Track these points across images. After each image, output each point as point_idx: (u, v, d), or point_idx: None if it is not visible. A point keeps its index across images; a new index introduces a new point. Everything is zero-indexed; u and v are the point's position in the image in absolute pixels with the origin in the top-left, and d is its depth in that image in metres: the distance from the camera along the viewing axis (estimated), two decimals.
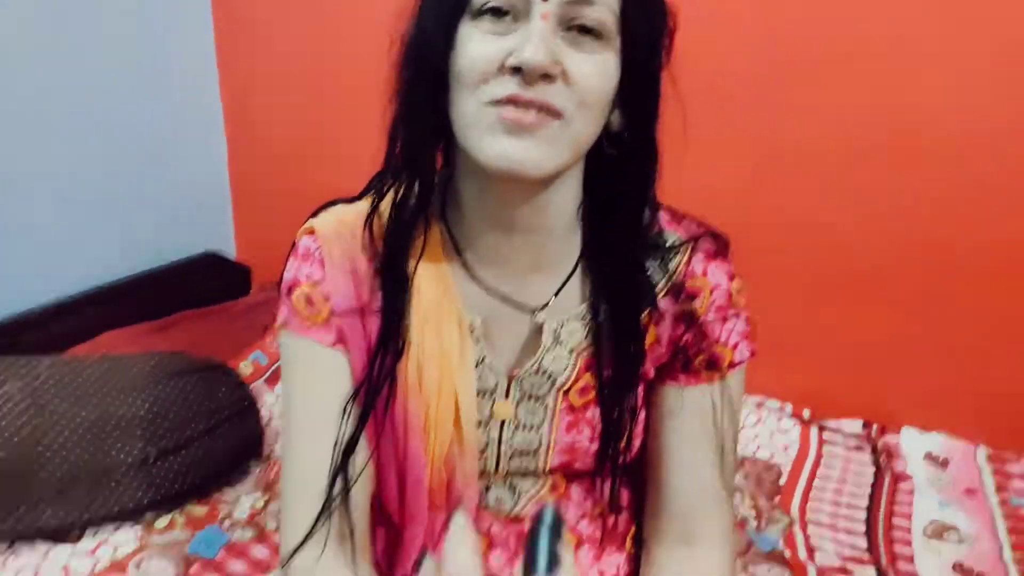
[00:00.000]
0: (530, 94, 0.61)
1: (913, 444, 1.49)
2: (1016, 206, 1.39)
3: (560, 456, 0.77)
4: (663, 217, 0.76)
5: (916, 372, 1.53)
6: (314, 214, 0.76)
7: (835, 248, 1.53)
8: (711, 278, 0.75)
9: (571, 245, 0.75)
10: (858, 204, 1.49)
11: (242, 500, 1.28)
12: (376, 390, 0.70)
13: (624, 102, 0.67)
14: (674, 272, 0.75)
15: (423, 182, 0.69)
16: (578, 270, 0.76)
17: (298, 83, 1.89)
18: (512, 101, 0.61)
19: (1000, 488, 1.37)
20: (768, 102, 1.49)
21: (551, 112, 0.62)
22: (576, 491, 0.80)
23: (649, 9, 0.66)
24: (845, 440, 1.53)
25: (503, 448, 0.76)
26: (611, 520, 0.81)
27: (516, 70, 0.60)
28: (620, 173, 0.70)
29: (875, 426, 1.54)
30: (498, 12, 0.62)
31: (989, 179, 1.40)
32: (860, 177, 1.47)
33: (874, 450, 1.49)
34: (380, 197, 0.73)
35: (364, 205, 0.75)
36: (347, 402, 0.71)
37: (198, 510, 1.25)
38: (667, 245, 0.75)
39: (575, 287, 0.76)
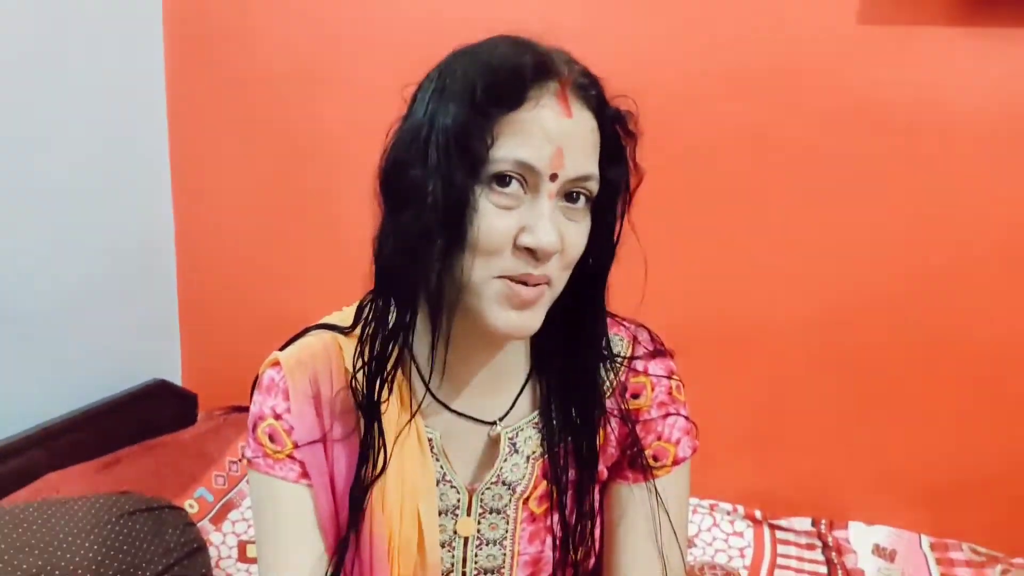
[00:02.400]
0: (539, 272, 0.66)
1: (861, 538, 1.54)
2: (948, 303, 1.49)
3: (525, 569, 0.78)
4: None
5: (858, 467, 1.59)
6: (282, 347, 0.78)
7: (773, 351, 1.60)
8: (652, 376, 0.80)
9: (522, 356, 0.79)
10: (795, 306, 1.57)
11: None
12: (356, 518, 0.72)
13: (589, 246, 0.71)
14: (618, 372, 0.79)
15: (411, 314, 0.70)
16: (530, 380, 0.79)
17: (249, 213, 1.92)
18: (523, 281, 0.66)
19: None
20: (700, 213, 1.58)
21: (547, 282, 0.67)
22: None
23: (621, 172, 0.71)
24: (797, 538, 1.56)
25: (468, 568, 0.77)
26: None
27: (529, 250, 0.65)
28: (575, 295, 0.73)
29: (824, 522, 1.58)
30: (506, 179, 0.64)
31: (917, 274, 1.50)
32: (796, 278, 1.56)
33: (825, 546, 1.53)
34: (353, 326, 0.75)
35: (326, 333, 0.77)
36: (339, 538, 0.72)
37: None
38: (611, 348, 0.79)
39: (527, 396, 0.79)
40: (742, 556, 1.52)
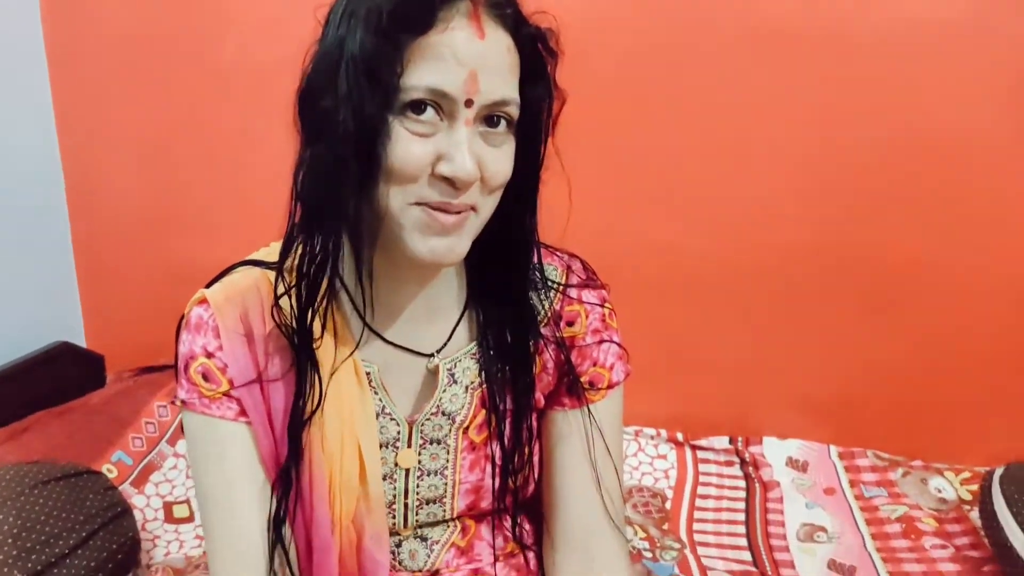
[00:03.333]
0: (459, 200, 0.64)
1: (775, 452, 1.63)
2: (851, 226, 1.56)
3: (466, 498, 0.79)
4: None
5: (770, 386, 1.68)
6: (208, 285, 0.75)
7: (686, 270, 1.65)
8: (586, 304, 0.81)
9: (458, 288, 0.79)
10: (706, 221, 1.61)
11: None
12: (296, 456, 0.71)
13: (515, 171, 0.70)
14: (552, 301, 0.80)
15: (334, 246, 0.68)
16: (467, 310, 0.79)
17: (146, 161, 1.81)
18: (443, 209, 0.64)
19: (853, 483, 1.52)
20: (638, 131, 1.59)
21: (472, 208, 0.66)
22: (486, 531, 0.82)
23: (542, 94, 0.69)
24: (716, 456, 1.64)
25: (410, 499, 0.78)
26: (521, 558, 0.84)
27: (447, 178, 0.63)
28: (504, 221, 0.72)
29: (740, 439, 1.66)
30: (420, 106, 0.62)
31: (822, 196, 1.55)
32: (706, 192, 1.60)
33: (743, 462, 1.61)
34: (280, 261, 0.71)
35: (254, 270, 0.75)
36: (272, 472, 0.72)
37: None
38: (545, 277, 0.80)
39: (464, 327, 0.79)
40: (667, 477, 1.58)
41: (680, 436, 1.68)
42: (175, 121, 1.77)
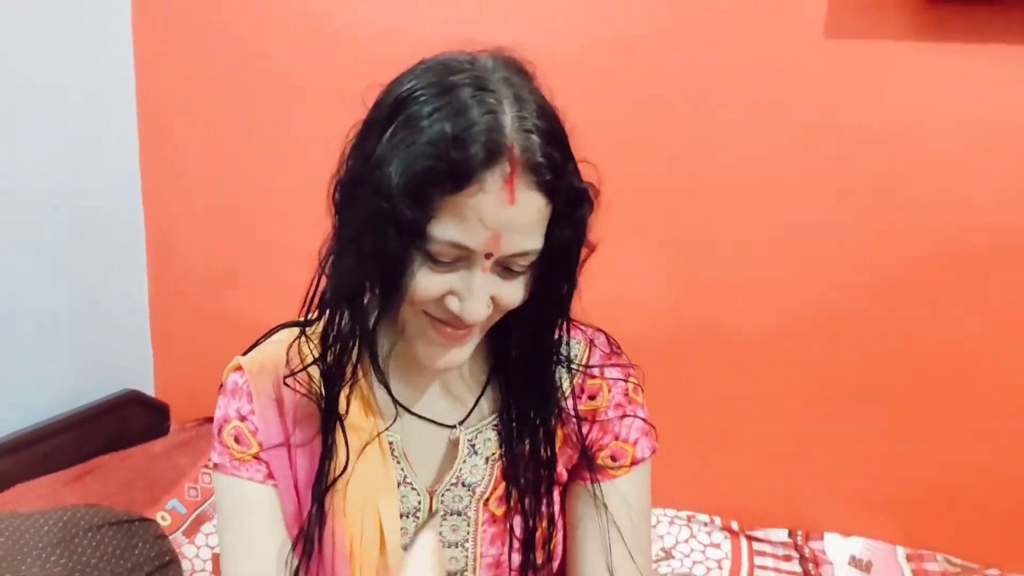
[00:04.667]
0: (464, 324, 0.67)
1: (837, 549, 1.54)
2: (914, 314, 1.50)
3: (488, 572, 0.78)
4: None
5: (833, 478, 1.60)
6: (245, 352, 0.79)
7: (745, 363, 1.60)
8: (608, 379, 0.80)
9: (482, 359, 0.80)
10: (766, 316, 1.58)
11: None
12: (319, 524, 0.72)
13: (546, 263, 0.69)
14: (575, 375, 0.79)
15: (362, 323, 0.70)
16: (490, 383, 0.80)
17: (220, 221, 1.90)
18: (448, 324, 0.67)
19: None
20: (680, 213, 1.58)
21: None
22: None
23: (569, 237, 0.68)
24: (773, 549, 1.57)
25: None
26: None
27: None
28: (535, 302, 0.71)
29: (800, 533, 1.58)
30: (442, 253, 0.64)
31: (882, 285, 1.51)
32: (766, 287, 1.57)
33: (802, 557, 1.53)
34: (303, 328, 0.74)
35: (287, 337, 0.77)
36: (291, 540, 0.73)
37: None
38: (568, 350, 0.79)
39: (487, 398, 0.80)
40: (719, 568, 1.52)
41: (735, 525, 1.61)
42: (248, 181, 1.86)
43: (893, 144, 1.46)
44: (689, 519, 1.62)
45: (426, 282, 0.64)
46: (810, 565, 1.51)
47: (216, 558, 1.49)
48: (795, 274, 1.56)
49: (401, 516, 0.76)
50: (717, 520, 1.62)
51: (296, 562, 0.73)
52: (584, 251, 0.70)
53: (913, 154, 1.45)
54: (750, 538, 1.59)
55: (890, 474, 1.56)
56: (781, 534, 1.59)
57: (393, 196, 0.61)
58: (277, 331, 0.80)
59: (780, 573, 1.51)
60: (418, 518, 0.77)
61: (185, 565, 1.39)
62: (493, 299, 0.66)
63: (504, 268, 0.66)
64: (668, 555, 1.54)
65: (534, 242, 0.65)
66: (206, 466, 1.66)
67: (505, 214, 0.62)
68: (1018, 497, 1.49)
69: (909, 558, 1.50)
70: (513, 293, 0.67)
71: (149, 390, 1.97)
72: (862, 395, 1.56)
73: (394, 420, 0.76)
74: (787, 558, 1.54)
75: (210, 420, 1.80)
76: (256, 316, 1.93)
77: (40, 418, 1.68)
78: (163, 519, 1.52)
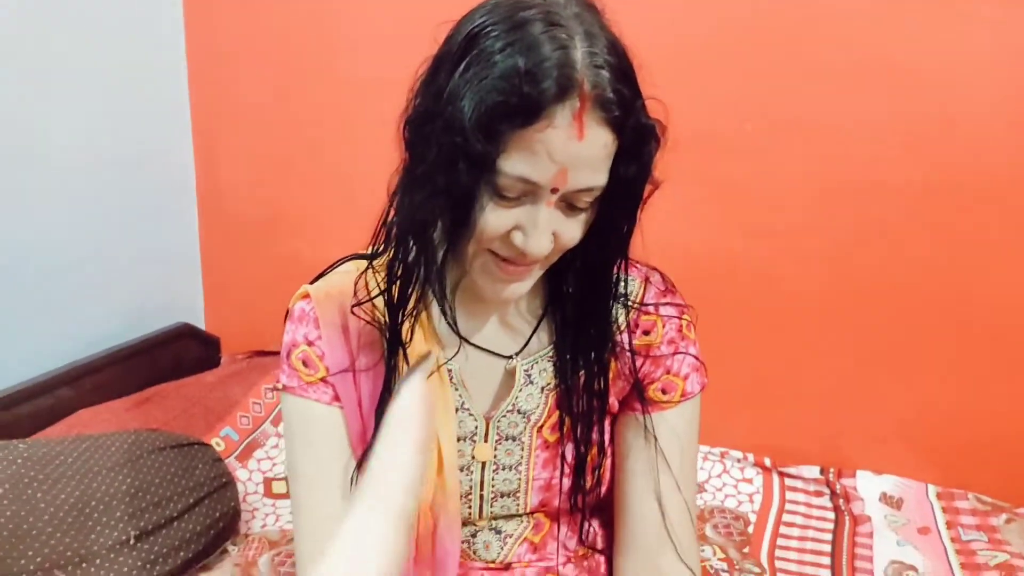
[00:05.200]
0: (527, 260, 0.69)
1: (868, 486, 1.57)
2: (962, 261, 1.50)
3: (539, 494, 0.82)
4: None
5: (868, 418, 1.62)
6: (312, 281, 0.82)
7: (785, 299, 1.62)
8: (663, 315, 0.82)
9: (538, 296, 0.83)
10: (802, 247, 1.58)
11: None
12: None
13: (608, 201, 0.70)
14: (630, 310, 0.82)
15: (426, 259, 0.72)
16: (546, 315, 0.82)
17: (268, 159, 1.94)
18: (511, 262, 0.69)
19: (951, 525, 1.45)
20: (735, 157, 1.58)
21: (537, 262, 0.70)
22: (561, 531, 0.84)
23: (635, 174, 0.68)
24: (805, 485, 1.60)
25: (486, 491, 0.81)
26: (592, 560, 0.86)
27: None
28: (595, 238, 0.72)
29: (832, 471, 1.61)
30: (509, 187, 0.65)
31: (932, 234, 1.50)
32: (803, 218, 1.57)
33: (833, 494, 1.57)
34: (371, 260, 0.77)
35: (352, 268, 0.81)
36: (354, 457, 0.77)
37: None
38: (625, 286, 0.81)
39: (544, 329, 0.82)
40: (751, 502, 1.55)
41: (768, 462, 1.65)
42: (292, 130, 1.89)
43: (941, 93, 1.44)
44: (722, 455, 1.66)
45: (494, 217, 0.66)
46: (840, 501, 1.54)
47: (267, 481, 1.57)
48: (829, 210, 1.55)
49: (459, 440, 0.79)
50: (751, 456, 1.65)
51: (359, 482, 0.77)
52: (648, 188, 0.70)
53: (964, 104, 1.43)
54: (782, 474, 1.62)
55: (922, 413, 1.58)
56: (813, 471, 1.62)
57: (465, 130, 0.61)
58: (343, 262, 0.83)
59: (811, 507, 1.54)
60: (474, 441, 0.80)
61: (239, 488, 1.47)
62: (554, 235, 0.67)
63: (568, 204, 0.67)
64: (701, 489, 1.59)
65: (599, 178, 0.66)
66: (257, 396, 1.73)
67: (573, 149, 0.62)
68: None
69: (940, 496, 1.53)
70: (573, 230, 0.69)
71: (200, 324, 2.05)
72: (901, 339, 1.57)
73: (457, 351, 0.79)
74: (818, 493, 1.57)
75: (260, 354, 1.90)
76: (303, 253, 2.00)
77: (99, 348, 1.76)
78: (217, 445, 1.59)
